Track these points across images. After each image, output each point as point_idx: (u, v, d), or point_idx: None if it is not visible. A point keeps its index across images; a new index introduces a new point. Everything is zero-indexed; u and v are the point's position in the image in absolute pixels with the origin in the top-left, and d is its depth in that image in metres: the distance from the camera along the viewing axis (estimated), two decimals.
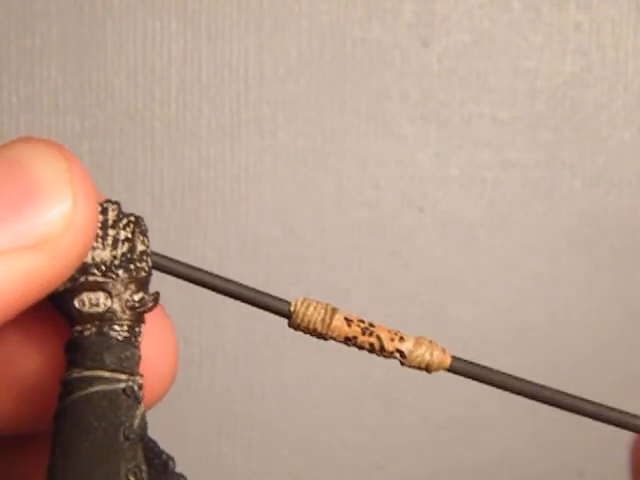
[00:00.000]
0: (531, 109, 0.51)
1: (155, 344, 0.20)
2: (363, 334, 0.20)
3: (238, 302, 0.20)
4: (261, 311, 0.20)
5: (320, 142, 0.51)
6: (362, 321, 0.20)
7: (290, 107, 0.51)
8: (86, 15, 0.50)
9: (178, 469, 0.18)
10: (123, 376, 0.18)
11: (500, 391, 0.20)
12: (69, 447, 0.18)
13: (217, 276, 0.20)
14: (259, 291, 0.20)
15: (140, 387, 0.19)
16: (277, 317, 0.20)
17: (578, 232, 0.52)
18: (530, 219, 0.52)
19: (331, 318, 0.20)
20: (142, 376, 0.19)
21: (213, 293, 0.20)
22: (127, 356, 0.19)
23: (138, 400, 0.18)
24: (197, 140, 0.51)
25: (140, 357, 0.19)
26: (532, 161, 0.51)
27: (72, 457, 0.18)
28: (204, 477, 0.53)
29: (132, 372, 0.19)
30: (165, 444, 0.19)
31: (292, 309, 0.20)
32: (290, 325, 0.20)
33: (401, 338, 0.20)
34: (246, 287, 0.20)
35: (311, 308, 0.20)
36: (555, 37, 0.51)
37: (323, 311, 0.20)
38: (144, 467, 0.18)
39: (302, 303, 0.20)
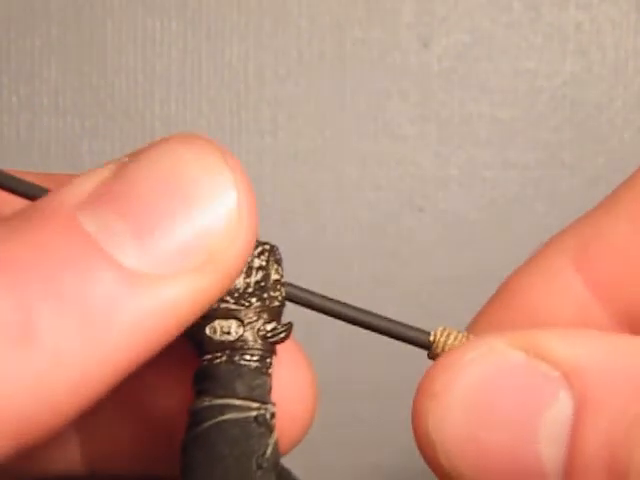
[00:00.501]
0: (531, 109, 0.51)
1: (290, 385, 0.20)
2: None
3: None
4: None
5: (320, 142, 0.51)
6: None
7: (290, 107, 0.51)
8: (86, 15, 0.50)
9: None
10: (254, 404, 0.18)
11: None
12: (200, 477, 0.17)
13: (352, 307, 0.19)
14: (397, 322, 0.19)
15: (272, 415, 0.18)
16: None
17: None
18: (530, 219, 0.52)
19: None
20: (274, 404, 0.18)
21: None
22: (258, 384, 0.18)
23: (270, 428, 0.18)
24: None
25: (271, 386, 0.18)
26: (532, 161, 0.51)
27: None
28: None
29: (264, 400, 0.18)
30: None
31: (432, 339, 0.19)
32: (430, 356, 0.19)
33: None
34: (384, 318, 0.19)
35: (451, 338, 0.19)
36: (555, 37, 0.51)
37: (465, 341, 0.19)
38: None
39: (442, 333, 0.19)
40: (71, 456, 0.21)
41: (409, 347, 0.20)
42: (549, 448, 0.16)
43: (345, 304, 0.19)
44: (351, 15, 0.50)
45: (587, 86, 0.51)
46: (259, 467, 0.18)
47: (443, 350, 0.19)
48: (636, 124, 0.52)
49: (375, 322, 0.19)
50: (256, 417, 0.18)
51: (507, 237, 0.52)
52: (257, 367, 0.18)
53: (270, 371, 0.18)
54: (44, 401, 0.15)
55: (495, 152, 0.51)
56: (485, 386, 0.17)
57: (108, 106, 0.50)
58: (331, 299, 0.19)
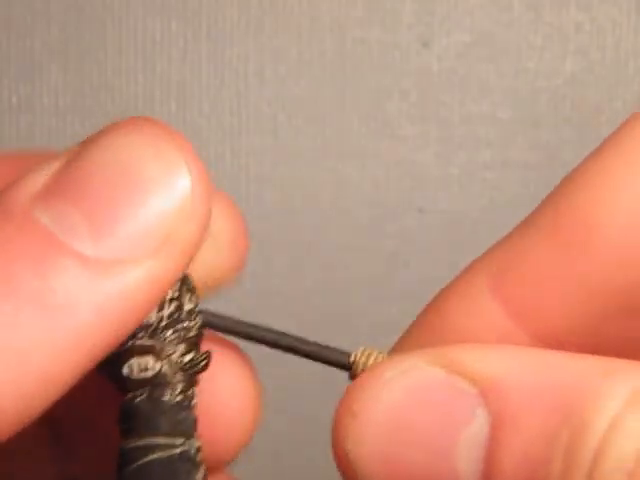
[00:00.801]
0: (531, 109, 0.51)
1: (227, 397, 0.20)
2: None
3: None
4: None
5: (320, 142, 0.51)
6: None
7: (290, 107, 0.51)
8: (86, 15, 0.50)
9: None
10: (179, 440, 0.18)
11: None
12: None
13: (272, 330, 0.19)
14: (317, 344, 0.19)
15: (198, 450, 0.18)
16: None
17: None
18: None
19: None
20: (199, 438, 0.18)
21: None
22: (181, 420, 0.18)
23: (196, 464, 0.18)
24: (197, 140, 0.51)
25: (196, 419, 0.18)
26: (532, 161, 0.51)
27: None
28: None
29: (188, 435, 0.18)
30: None
31: (352, 360, 0.19)
32: (351, 377, 0.19)
33: None
34: (304, 341, 0.19)
35: (372, 358, 0.19)
36: (555, 37, 0.51)
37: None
38: None
39: (362, 353, 0.19)
40: (46, 469, 0.21)
41: None
42: (466, 466, 0.16)
43: (264, 328, 0.19)
44: (351, 15, 0.50)
45: (587, 86, 0.51)
46: None
47: (363, 371, 0.19)
48: None
49: (295, 345, 0.19)
50: (180, 454, 0.18)
51: None
52: (179, 401, 0.18)
53: (194, 402, 0.18)
54: (15, 398, 0.15)
55: (495, 152, 0.51)
56: (403, 404, 0.17)
57: (108, 106, 0.50)
58: (250, 324, 0.19)
